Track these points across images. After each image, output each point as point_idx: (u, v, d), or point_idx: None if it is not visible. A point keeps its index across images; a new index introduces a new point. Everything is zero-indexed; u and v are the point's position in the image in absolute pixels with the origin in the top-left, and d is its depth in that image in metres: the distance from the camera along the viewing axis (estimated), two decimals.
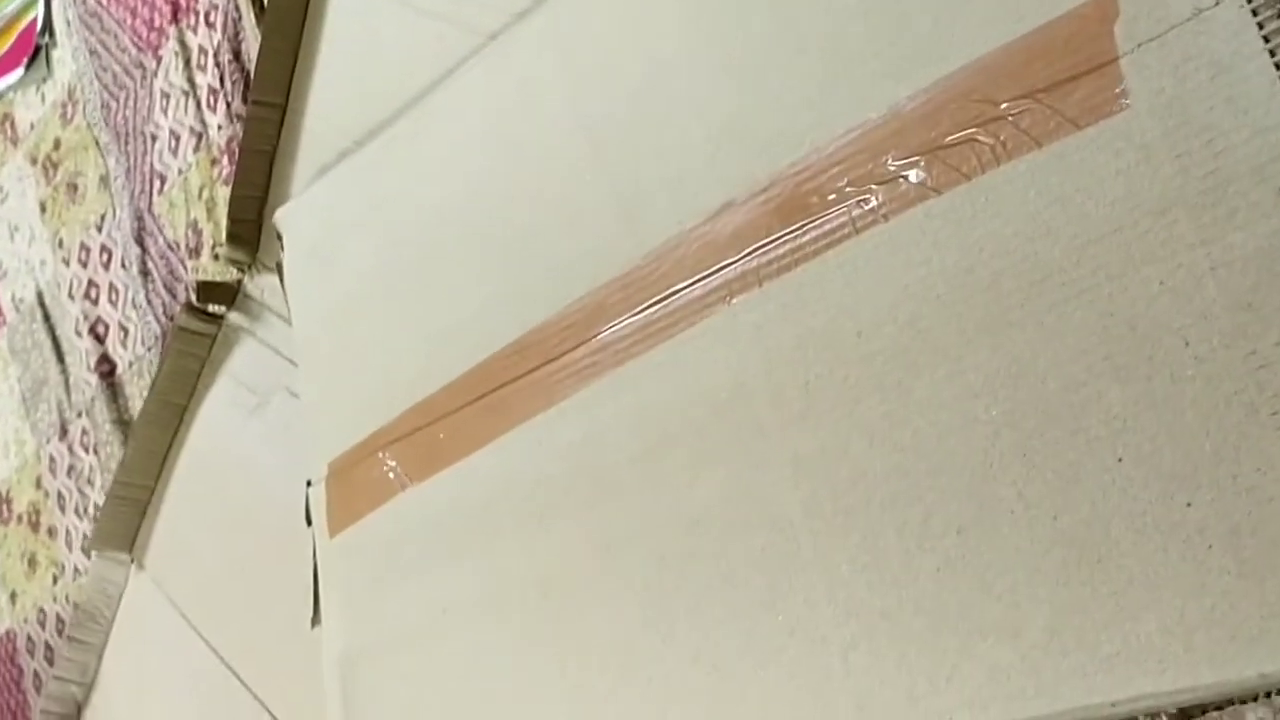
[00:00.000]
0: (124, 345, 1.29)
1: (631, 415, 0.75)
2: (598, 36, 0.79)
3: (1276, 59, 0.51)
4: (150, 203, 1.26)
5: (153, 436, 1.10)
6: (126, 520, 1.13)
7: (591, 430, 0.77)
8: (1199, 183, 0.53)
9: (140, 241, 1.27)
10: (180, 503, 1.12)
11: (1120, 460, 0.55)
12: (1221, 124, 0.53)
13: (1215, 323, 0.53)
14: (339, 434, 0.95)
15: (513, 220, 0.84)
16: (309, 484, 0.96)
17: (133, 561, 1.16)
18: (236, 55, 1.13)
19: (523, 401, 0.81)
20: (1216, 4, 0.53)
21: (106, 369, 1.31)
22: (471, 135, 0.87)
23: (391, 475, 0.90)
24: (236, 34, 1.13)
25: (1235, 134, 0.52)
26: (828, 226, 0.66)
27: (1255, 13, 0.52)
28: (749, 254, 0.70)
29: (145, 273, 1.26)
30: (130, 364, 1.28)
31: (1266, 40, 0.52)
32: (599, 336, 0.77)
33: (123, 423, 1.26)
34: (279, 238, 1.03)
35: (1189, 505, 0.53)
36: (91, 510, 1.29)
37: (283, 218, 1.03)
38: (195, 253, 1.18)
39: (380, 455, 0.91)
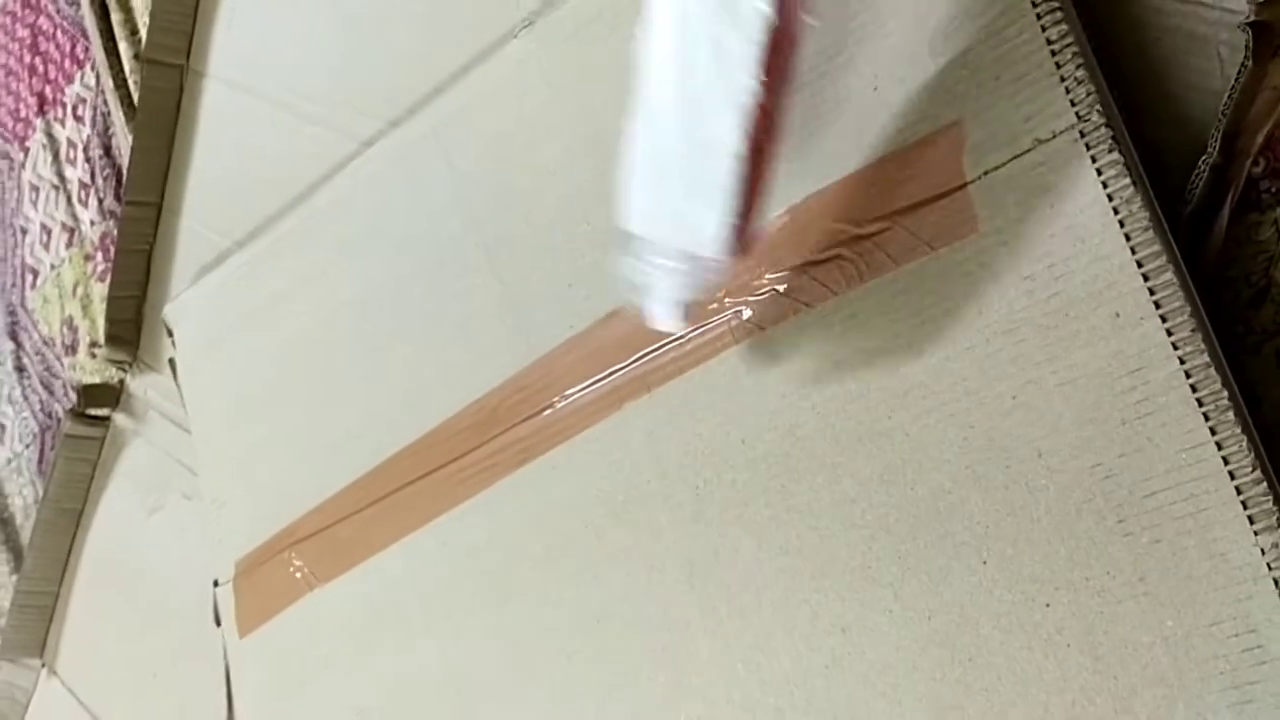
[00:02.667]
0: (1, 442, 1.27)
1: (533, 516, 0.77)
2: (481, 142, 0.81)
3: (1108, 190, 0.55)
4: (23, 297, 1.24)
5: (52, 543, 1.09)
6: (34, 626, 1.12)
7: (495, 531, 0.79)
8: (1044, 304, 0.57)
9: (14, 336, 1.25)
10: (87, 606, 1.11)
11: (985, 563, 0.59)
12: (1062, 250, 0.57)
13: (1064, 436, 0.57)
14: (243, 533, 0.95)
15: (406, 322, 0.85)
16: (216, 584, 0.96)
17: (44, 666, 1.15)
18: (107, 150, 1.12)
19: (425, 502, 0.83)
20: (1053, 137, 0.57)
21: None
22: (360, 237, 0.88)
23: (299, 575, 0.90)
24: (106, 129, 1.12)
25: (1075, 260, 0.56)
26: (709, 335, 0.69)
27: (1089, 146, 0.56)
28: (637, 360, 0.72)
29: (20, 368, 1.24)
30: (9, 460, 1.26)
31: (1099, 173, 0.56)
32: (497, 438, 0.79)
33: (2, 521, 1.24)
34: (169, 334, 1.02)
35: (1048, 606, 0.57)
36: None
37: (173, 314, 1.02)
38: (72, 349, 1.17)
39: (287, 555, 0.91)
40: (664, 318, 0.60)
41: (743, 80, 0.53)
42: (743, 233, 0.57)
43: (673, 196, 0.57)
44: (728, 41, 0.54)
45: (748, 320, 0.67)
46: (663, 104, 0.56)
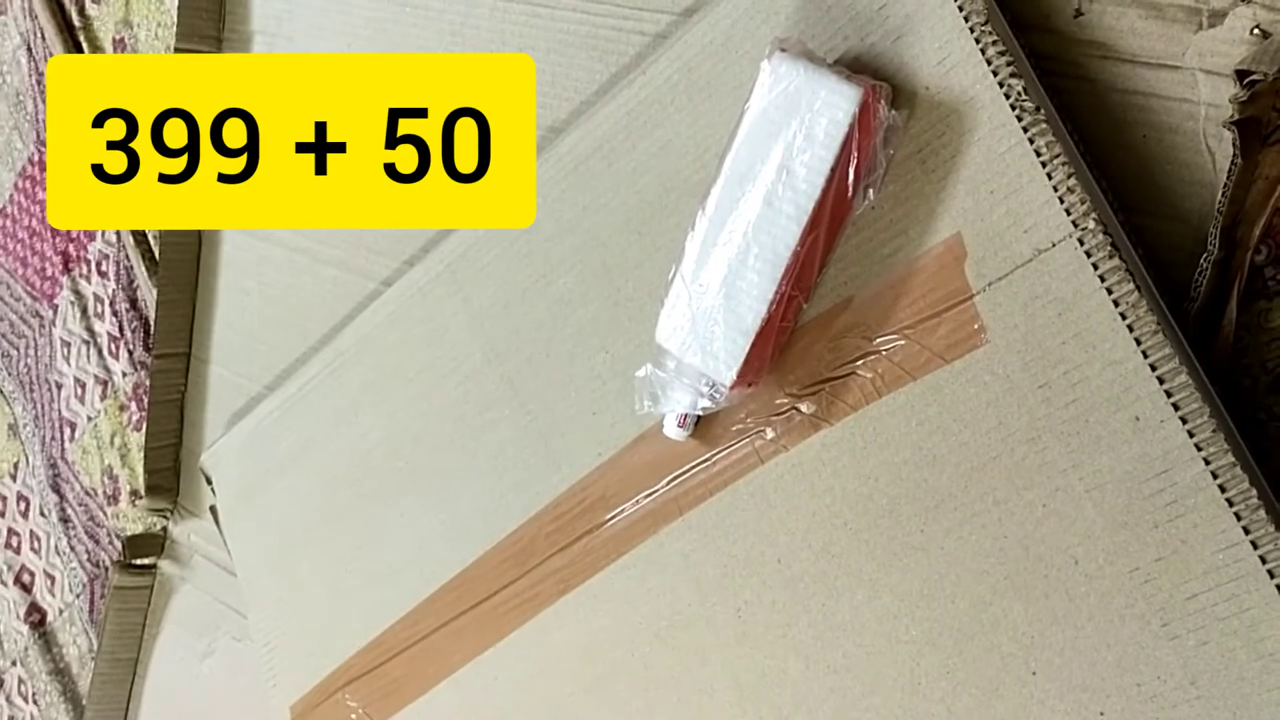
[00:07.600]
0: (52, 593, 1.29)
1: (579, 646, 0.77)
2: (494, 277, 0.83)
3: (1113, 296, 0.56)
4: (63, 450, 1.27)
5: (110, 695, 1.11)
6: None
7: (543, 662, 0.79)
8: (1063, 411, 0.58)
9: (57, 489, 1.28)
10: None
11: (1034, 674, 0.59)
12: (1074, 357, 0.57)
13: (1098, 542, 0.57)
14: (296, 674, 0.96)
15: (438, 457, 0.86)
16: None
17: None
18: (133, 303, 1.16)
19: (473, 635, 0.83)
20: (1053, 246, 0.58)
21: (36, 618, 1.31)
22: (384, 377, 0.90)
23: (354, 716, 0.91)
24: (130, 282, 1.15)
25: (1088, 366, 0.57)
26: (735, 456, 0.70)
27: (1089, 254, 0.56)
28: (667, 484, 0.73)
29: (65, 520, 1.27)
30: (60, 611, 1.28)
31: (1102, 279, 0.56)
32: (537, 569, 0.80)
33: (59, 672, 1.26)
34: (208, 482, 1.04)
35: (1102, 714, 0.57)
36: None
37: (210, 462, 1.04)
38: (113, 499, 1.19)
39: (341, 695, 0.92)
40: (670, 427, 0.69)
41: (786, 239, 0.60)
42: (754, 374, 0.63)
43: (704, 321, 0.63)
44: (780, 200, 0.60)
45: (771, 440, 0.68)
46: (716, 236, 0.62)
